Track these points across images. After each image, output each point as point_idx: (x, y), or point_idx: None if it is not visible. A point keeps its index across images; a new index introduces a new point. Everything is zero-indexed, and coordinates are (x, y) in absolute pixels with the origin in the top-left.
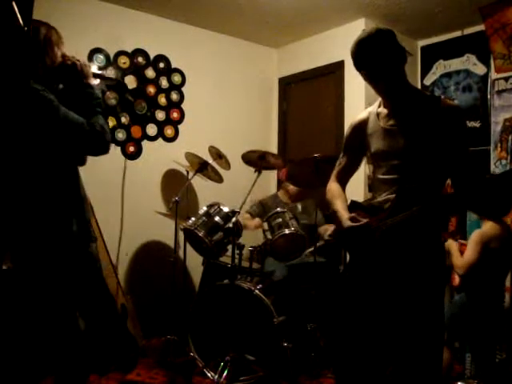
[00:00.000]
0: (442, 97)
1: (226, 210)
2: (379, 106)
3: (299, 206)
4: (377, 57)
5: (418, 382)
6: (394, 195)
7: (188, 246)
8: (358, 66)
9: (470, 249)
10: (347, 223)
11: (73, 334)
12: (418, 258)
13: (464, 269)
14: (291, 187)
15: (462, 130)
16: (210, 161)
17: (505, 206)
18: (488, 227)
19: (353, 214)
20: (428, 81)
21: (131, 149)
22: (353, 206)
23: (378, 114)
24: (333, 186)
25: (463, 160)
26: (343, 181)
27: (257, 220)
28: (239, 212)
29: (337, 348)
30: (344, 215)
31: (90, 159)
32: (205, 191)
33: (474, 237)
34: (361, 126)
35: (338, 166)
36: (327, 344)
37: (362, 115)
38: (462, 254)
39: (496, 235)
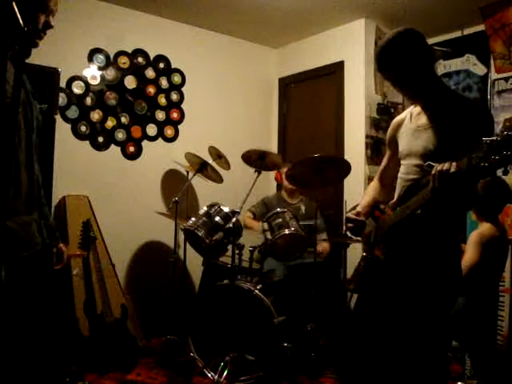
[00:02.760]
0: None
1: (226, 209)
2: (415, 106)
3: (302, 208)
4: (399, 61)
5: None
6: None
7: (188, 245)
8: (382, 70)
9: (471, 250)
10: (348, 214)
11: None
12: (425, 258)
13: (465, 271)
14: (286, 184)
15: (488, 135)
16: (210, 161)
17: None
18: (485, 228)
19: (360, 210)
20: None
21: (131, 149)
22: (374, 208)
23: (411, 114)
24: (371, 184)
25: None
26: (385, 180)
27: (260, 224)
28: (239, 212)
29: (346, 347)
30: (358, 207)
31: (91, 159)
32: (205, 191)
33: (473, 238)
34: (398, 125)
35: (381, 165)
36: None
37: (402, 114)
38: None
39: (493, 236)
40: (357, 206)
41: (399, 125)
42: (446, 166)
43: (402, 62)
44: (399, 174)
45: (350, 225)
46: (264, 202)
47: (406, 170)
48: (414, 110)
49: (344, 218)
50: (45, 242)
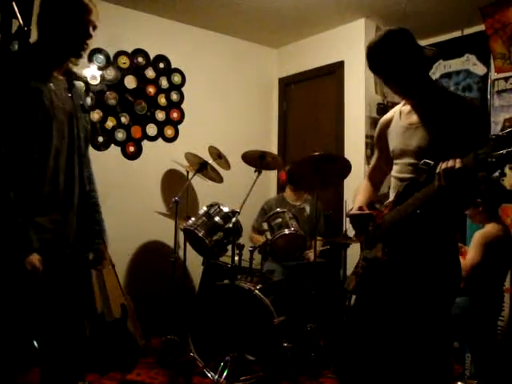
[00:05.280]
0: (468, 97)
1: (225, 210)
2: (404, 104)
3: (307, 209)
4: (388, 60)
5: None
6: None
7: (188, 246)
8: (372, 69)
9: (474, 250)
10: (351, 212)
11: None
12: (423, 257)
13: (467, 271)
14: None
15: (483, 133)
16: (210, 161)
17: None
18: (489, 228)
19: (362, 205)
20: None
21: (131, 149)
22: (370, 207)
23: (400, 112)
24: (362, 183)
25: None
26: (375, 180)
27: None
28: (239, 212)
29: (343, 348)
30: (355, 205)
31: (91, 159)
32: (205, 191)
33: (477, 238)
34: (386, 124)
35: (370, 165)
36: (336, 344)
37: (389, 113)
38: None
39: (498, 236)
40: (351, 210)
41: (387, 123)
42: (450, 163)
43: (390, 61)
44: (393, 173)
45: (357, 221)
46: (263, 208)
47: (400, 168)
48: (403, 108)
49: (347, 218)
50: (79, 242)
